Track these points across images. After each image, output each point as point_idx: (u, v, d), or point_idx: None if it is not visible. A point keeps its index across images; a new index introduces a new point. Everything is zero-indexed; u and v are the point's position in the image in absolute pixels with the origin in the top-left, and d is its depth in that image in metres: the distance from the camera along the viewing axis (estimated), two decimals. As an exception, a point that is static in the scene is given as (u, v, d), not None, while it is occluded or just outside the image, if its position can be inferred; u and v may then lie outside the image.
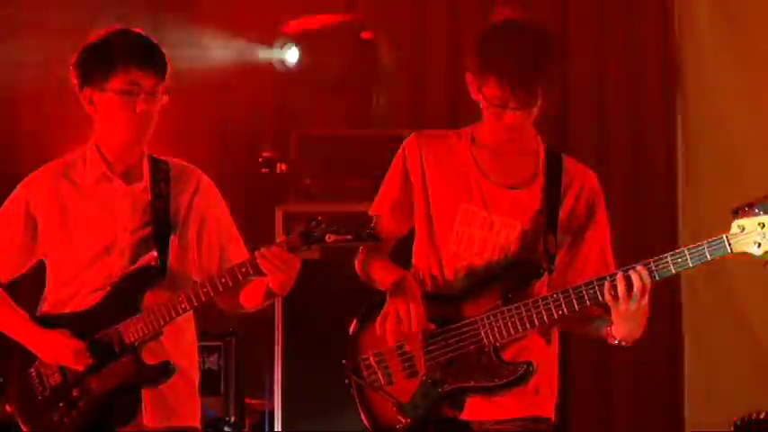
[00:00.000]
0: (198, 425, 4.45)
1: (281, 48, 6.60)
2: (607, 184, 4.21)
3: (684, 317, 7.52)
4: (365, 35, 6.33)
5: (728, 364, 7.39)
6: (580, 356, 7.08)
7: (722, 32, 7.50)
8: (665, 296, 7.29)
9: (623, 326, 3.93)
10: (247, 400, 6.81)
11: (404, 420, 4.08)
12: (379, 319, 4.05)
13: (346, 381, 4.18)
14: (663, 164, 7.55)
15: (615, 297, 3.86)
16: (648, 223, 7.43)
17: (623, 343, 3.98)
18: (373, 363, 4.14)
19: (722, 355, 7.42)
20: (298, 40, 6.59)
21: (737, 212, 3.78)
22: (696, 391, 7.48)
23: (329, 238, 3.97)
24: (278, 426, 6.32)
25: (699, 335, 7.52)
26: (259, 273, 4.11)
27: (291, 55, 6.58)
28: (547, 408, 4.16)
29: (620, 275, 3.85)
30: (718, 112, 7.51)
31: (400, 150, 4.21)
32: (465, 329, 4.04)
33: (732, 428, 5.92)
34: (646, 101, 7.60)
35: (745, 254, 3.77)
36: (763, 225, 3.74)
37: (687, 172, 7.56)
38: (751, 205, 3.79)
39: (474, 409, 4.07)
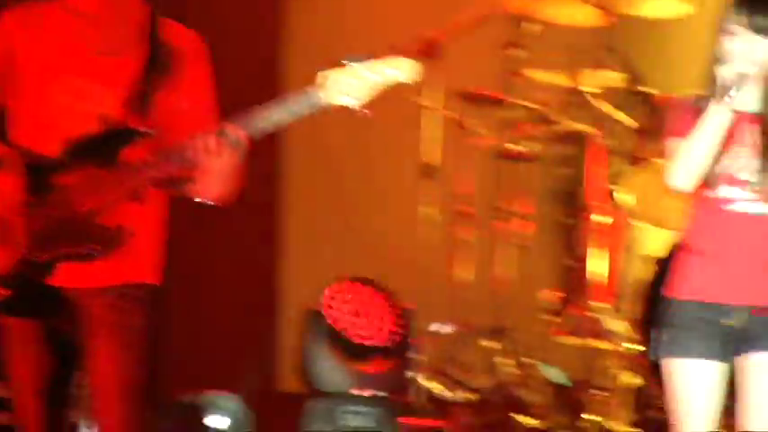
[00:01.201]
0: None
1: None
2: (214, 43, 4.19)
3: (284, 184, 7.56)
4: None
5: (328, 233, 7.47)
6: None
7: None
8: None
9: (205, 181, 3.93)
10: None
11: (2, 292, 3.98)
12: None
13: None
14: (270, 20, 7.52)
15: (198, 153, 3.84)
16: (251, 82, 7.04)
17: (208, 201, 4.00)
18: None
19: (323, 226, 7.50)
20: None
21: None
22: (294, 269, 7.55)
23: None
24: None
25: (298, 202, 7.57)
26: None
27: None
28: (146, 272, 4.10)
29: (203, 132, 3.84)
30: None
31: None
32: (59, 197, 3.96)
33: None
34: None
35: (341, 106, 3.68)
36: (352, 74, 3.65)
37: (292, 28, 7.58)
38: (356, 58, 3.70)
39: (72, 276, 4.00)
